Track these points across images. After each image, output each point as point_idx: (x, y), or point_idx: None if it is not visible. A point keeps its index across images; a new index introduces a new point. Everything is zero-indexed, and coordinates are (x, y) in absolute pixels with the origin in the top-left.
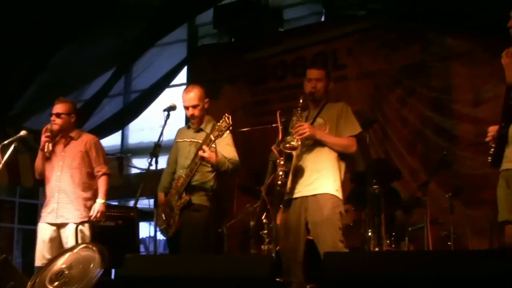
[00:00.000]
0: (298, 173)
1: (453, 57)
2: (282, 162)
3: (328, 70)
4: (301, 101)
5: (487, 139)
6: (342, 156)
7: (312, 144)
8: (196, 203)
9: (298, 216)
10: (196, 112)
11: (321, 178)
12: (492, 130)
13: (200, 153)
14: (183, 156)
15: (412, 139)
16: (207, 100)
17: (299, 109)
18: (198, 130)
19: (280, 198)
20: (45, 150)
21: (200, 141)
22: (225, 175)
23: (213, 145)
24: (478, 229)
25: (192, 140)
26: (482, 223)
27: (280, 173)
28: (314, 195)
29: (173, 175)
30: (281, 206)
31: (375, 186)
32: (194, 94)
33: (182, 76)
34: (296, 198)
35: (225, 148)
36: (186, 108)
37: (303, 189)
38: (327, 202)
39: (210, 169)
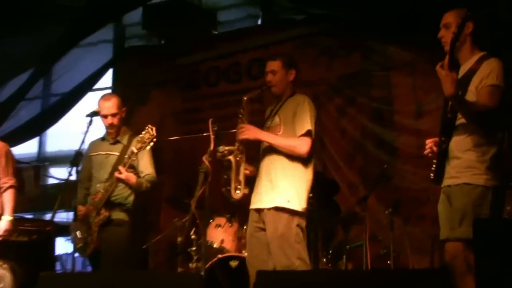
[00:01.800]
0: (256, 181)
1: (395, 67)
2: (223, 170)
3: (289, 57)
4: (245, 98)
5: (426, 151)
6: (297, 159)
7: (267, 149)
8: (115, 218)
9: (257, 228)
10: (115, 121)
11: (272, 189)
12: (430, 142)
13: (116, 174)
14: (100, 170)
15: (351, 151)
16: (124, 109)
17: (242, 110)
18: (114, 142)
19: (226, 209)
20: None
21: (117, 154)
22: (144, 193)
23: (133, 158)
24: (419, 247)
25: (108, 152)
26: (422, 240)
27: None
28: (269, 209)
29: (88, 190)
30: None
31: (311, 201)
32: (113, 102)
33: (107, 80)
34: (254, 209)
35: (145, 161)
36: (105, 116)
37: (258, 200)
38: (281, 217)
39: None
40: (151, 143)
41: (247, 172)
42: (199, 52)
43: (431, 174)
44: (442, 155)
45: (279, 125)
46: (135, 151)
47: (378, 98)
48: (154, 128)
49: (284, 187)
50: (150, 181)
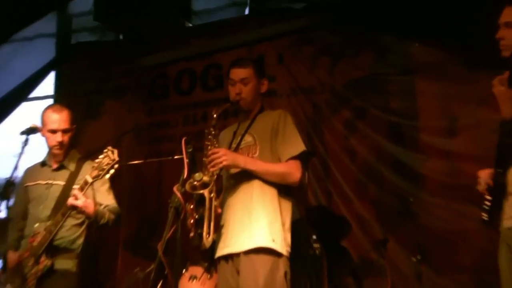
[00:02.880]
0: (224, 220)
1: (418, 70)
2: (192, 207)
3: (260, 63)
4: (214, 115)
5: (480, 188)
6: (283, 189)
7: (239, 175)
8: (59, 268)
9: (230, 282)
10: (66, 139)
11: (252, 226)
12: (484, 175)
13: (71, 201)
14: (39, 204)
15: (364, 178)
16: (75, 126)
17: (212, 129)
18: (58, 167)
19: (203, 256)
20: None
21: (62, 183)
22: (104, 228)
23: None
24: None
25: (50, 182)
26: None
27: (192, 221)
28: (247, 253)
29: (22, 231)
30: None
31: (315, 245)
32: (66, 115)
33: (47, 85)
34: (224, 257)
35: (103, 192)
36: (53, 132)
37: (231, 243)
38: (264, 262)
39: (78, 221)
40: (112, 170)
41: (219, 210)
42: (167, 50)
43: (484, 214)
44: (498, 190)
45: (254, 146)
46: (90, 180)
47: (397, 110)
48: (115, 151)
49: (267, 222)
50: (115, 213)
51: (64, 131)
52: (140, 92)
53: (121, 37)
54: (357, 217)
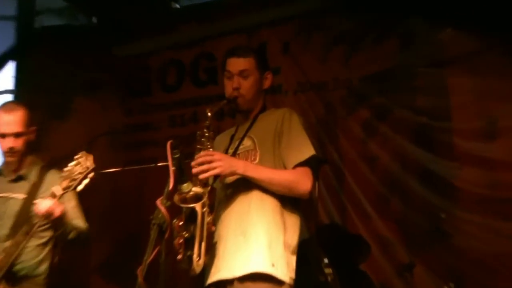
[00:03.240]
0: (216, 238)
1: (451, 62)
2: (181, 224)
3: (262, 54)
4: (209, 114)
5: None
6: (289, 201)
7: (235, 184)
8: None
9: None
10: (19, 144)
11: (249, 246)
12: None
13: (47, 208)
14: None
15: (385, 190)
16: (34, 128)
17: (205, 131)
18: (17, 178)
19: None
20: None
21: (22, 196)
22: (71, 244)
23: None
24: None
25: (7, 195)
26: None
27: (181, 241)
28: (241, 280)
29: None
30: None
31: (326, 270)
32: (18, 115)
33: (5, 79)
34: (216, 284)
35: (72, 208)
36: (2, 136)
37: (223, 266)
38: None
39: (42, 240)
40: (86, 180)
41: (213, 228)
42: (150, 37)
43: None
44: None
45: (254, 151)
46: (60, 192)
47: (425, 110)
48: (91, 157)
49: (266, 242)
50: (79, 231)
51: (17, 135)
52: (117, 88)
53: (94, 20)
54: (378, 236)
